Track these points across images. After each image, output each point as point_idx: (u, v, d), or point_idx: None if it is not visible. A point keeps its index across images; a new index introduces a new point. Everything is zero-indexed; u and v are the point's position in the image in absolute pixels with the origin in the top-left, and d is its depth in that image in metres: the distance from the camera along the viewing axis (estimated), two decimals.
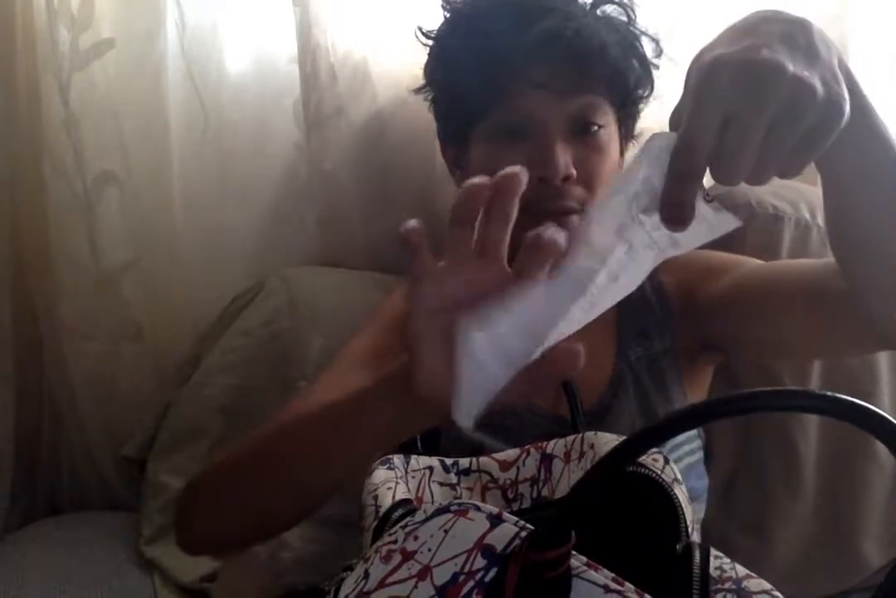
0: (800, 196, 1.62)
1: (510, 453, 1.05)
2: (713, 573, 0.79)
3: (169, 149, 1.64)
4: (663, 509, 0.85)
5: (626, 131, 1.41)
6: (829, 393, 0.62)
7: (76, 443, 1.72)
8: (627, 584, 0.67)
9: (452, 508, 0.73)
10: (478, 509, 0.72)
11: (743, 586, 0.78)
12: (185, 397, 1.65)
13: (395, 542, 0.74)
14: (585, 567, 0.67)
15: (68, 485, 1.75)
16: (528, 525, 0.70)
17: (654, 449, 0.92)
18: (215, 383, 1.62)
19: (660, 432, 0.65)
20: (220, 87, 1.68)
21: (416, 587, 0.70)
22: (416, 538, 0.72)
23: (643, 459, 0.87)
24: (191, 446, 1.61)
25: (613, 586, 0.66)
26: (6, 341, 1.62)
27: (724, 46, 0.83)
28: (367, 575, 0.74)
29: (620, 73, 1.32)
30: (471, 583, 0.68)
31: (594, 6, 1.36)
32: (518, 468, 1.03)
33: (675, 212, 0.77)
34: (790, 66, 0.79)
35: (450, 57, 1.39)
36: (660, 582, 0.73)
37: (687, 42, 1.53)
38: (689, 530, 0.84)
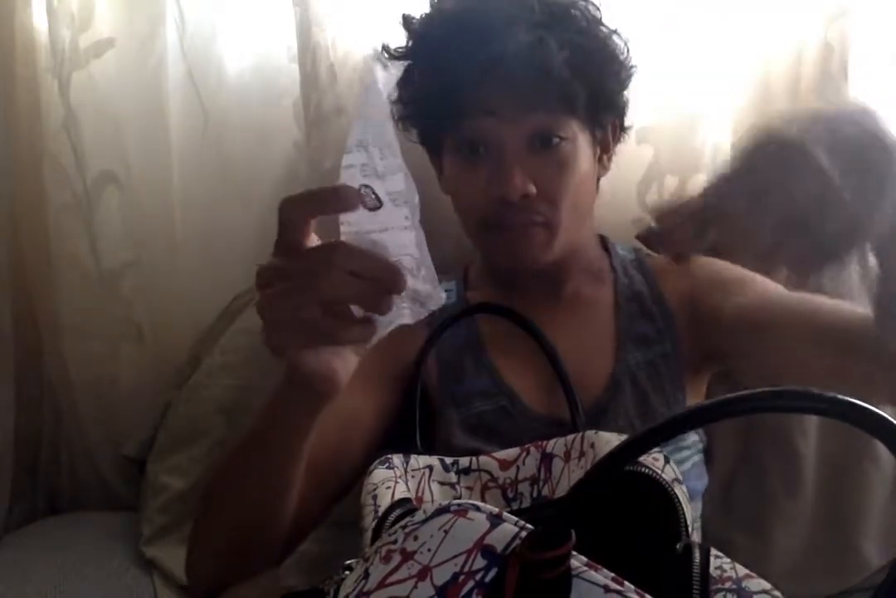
0: None
1: (510, 453, 1.05)
2: (713, 572, 0.79)
3: (169, 148, 1.64)
4: (663, 508, 0.85)
5: (604, 135, 1.41)
6: (830, 394, 0.62)
7: (76, 443, 1.72)
8: (627, 584, 0.67)
9: (452, 508, 0.73)
10: (477, 509, 0.72)
11: (743, 585, 0.78)
12: (185, 397, 1.64)
13: (394, 542, 0.74)
14: (585, 567, 0.67)
15: (68, 485, 1.75)
16: (528, 525, 0.70)
17: (655, 449, 0.92)
18: (215, 383, 1.62)
19: (660, 433, 0.64)
20: (220, 86, 1.68)
21: (415, 587, 0.70)
22: (415, 538, 0.72)
23: (643, 458, 0.87)
24: (190, 446, 1.61)
25: (613, 586, 0.66)
26: (6, 341, 1.62)
27: (799, 122, 0.84)
28: (367, 575, 0.74)
29: (569, 91, 1.29)
30: (471, 583, 0.68)
31: (550, 16, 1.31)
32: (518, 468, 1.03)
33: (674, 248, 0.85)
34: (829, 168, 0.80)
35: (409, 77, 1.38)
36: (660, 582, 0.73)
37: None
38: (690, 529, 0.85)
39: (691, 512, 1.33)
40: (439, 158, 1.43)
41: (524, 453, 1.04)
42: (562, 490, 0.96)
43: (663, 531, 0.84)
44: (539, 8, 1.29)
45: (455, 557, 0.70)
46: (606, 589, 0.66)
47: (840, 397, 0.62)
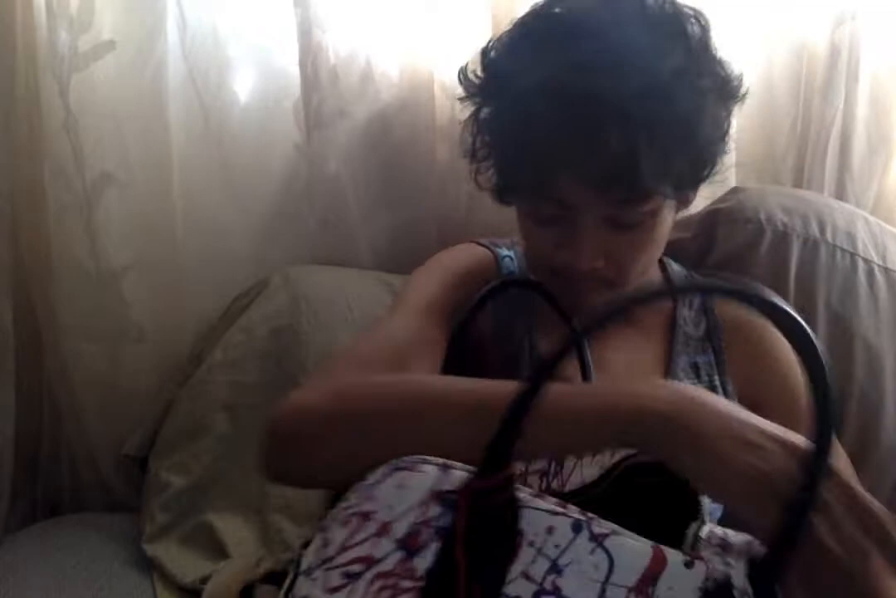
0: (810, 209, 1.62)
1: None
2: (703, 535, 0.79)
3: (169, 150, 1.65)
4: (676, 504, 0.85)
5: (689, 195, 1.33)
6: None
7: (76, 443, 1.72)
8: (571, 506, 0.67)
9: (401, 465, 0.73)
10: (427, 462, 0.72)
11: (729, 541, 0.78)
12: (187, 394, 1.65)
13: (350, 507, 0.74)
14: (531, 497, 0.67)
15: (68, 485, 1.75)
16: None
17: None
18: (217, 380, 1.63)
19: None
20: (221, 88, 1.69)
21: (377, 544, 0.70)
22: (370, 498, 0.73)
23: None
24: (193, 443, 1.61)
25: (558, 509, 0.67)
26: (6, 342, 1.62)
27: None
28: (327, 543, 0.74)
29: (663, 185, 1.19)
30: (429, 531, 0.69)
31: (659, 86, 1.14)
32: None
33: None
34: None
35: (493, 128, 1.28)
36: None
37: None
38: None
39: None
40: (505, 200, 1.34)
41: None
42: (573, 484, 0.95)
43: (673, 528, 0.83)
44: (627, 84, 1.13)
45: (411, 509, 0.70)
46: (552, 513, 0.66)
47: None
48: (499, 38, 1.29)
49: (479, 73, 1.30)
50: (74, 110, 1.58)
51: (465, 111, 1.65)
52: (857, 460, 1.51)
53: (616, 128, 1.12)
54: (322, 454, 1.00)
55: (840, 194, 1.76)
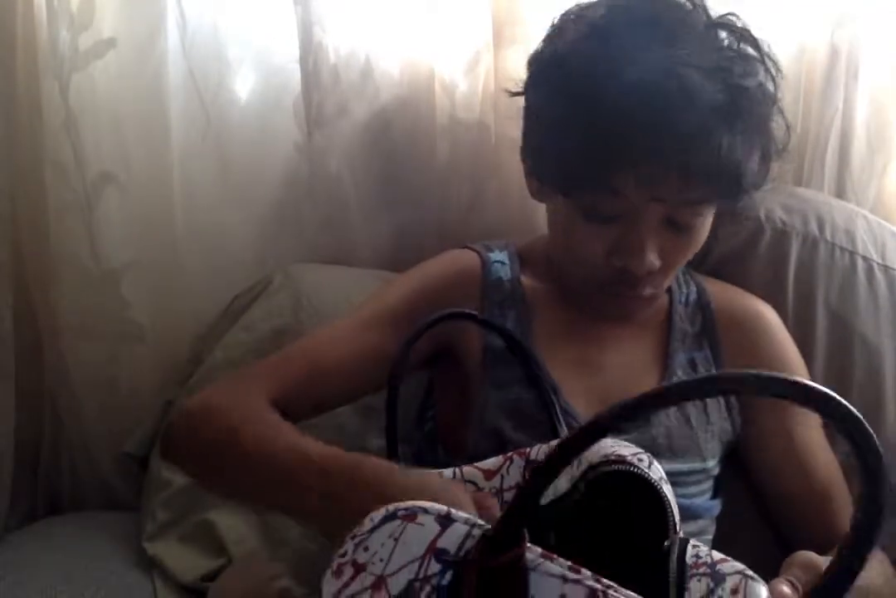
0: (809, 207, 1.62)
1: (493, 462, 1.03)
2: (689, 560, 0.79)
3: (169, 149, 1.64)
4: (652, 507, 0.85)
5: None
6: (796, 379, 0.62)
7: (76, 443, 1.72)
8: (584, 571, 0.66)
9: (400, 513, 0.71)
10: (426, 511, 0.71)
11: (717, 569, 0.78)
12: (188, 393, 1.62)
13: (344, 554, 0.73)
14: (541, 559, 0.66)
15: (68, 485, 1.76)
16: (479, 521, 0.70)
17: (639, 449, 0.92)
18: (217, 378, 1.61)
19: (612, 420, 0.63)
20: (221, 86, 1.67)
21: None
22: (366, 548, 0.71)
23: (629, 458, 0.87)
24: None
25: (571, 575, 0.66)
26: (6, 342, 1.62)
27: None
28: (320, 593, 0.73)
29: (739, 185, 1.24)
30: (427, 588, 0.68)
31: (734, 98, 1.20)
32: (502, 476, 1.01)
33: None
34: None
35: (554, 122, 1.27)
36: (646, 578, 0.73)
37: None
38: (677, 527, 0.84)
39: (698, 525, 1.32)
40: (547, 196, 1.36)
41: (507, 462, 1.01)
42: (548, 496, 0.95)
43: (652, 529, 0.83)
44: (725, 86, 1.20)
45: (409, 564, 0.69)
46: (564, 579, 0.66)
47: (807, 383, 0.61)
48: (574, 24, 1.30)
49: (554, 58, 1.30)
50: (74, 109, 1.57)
51: (465, 110, 1.67)
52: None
53: (725, 126, 1.18)
54: (188, 465, 1.25)
55: (840, 193, 1.75)
